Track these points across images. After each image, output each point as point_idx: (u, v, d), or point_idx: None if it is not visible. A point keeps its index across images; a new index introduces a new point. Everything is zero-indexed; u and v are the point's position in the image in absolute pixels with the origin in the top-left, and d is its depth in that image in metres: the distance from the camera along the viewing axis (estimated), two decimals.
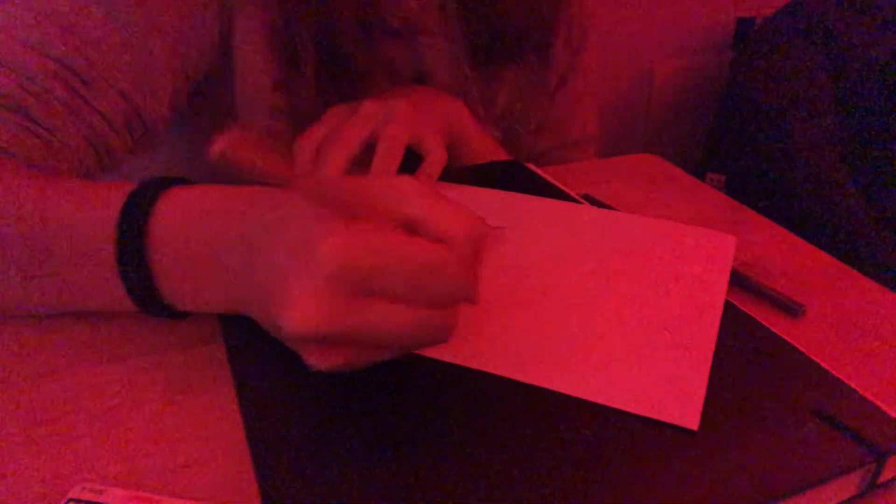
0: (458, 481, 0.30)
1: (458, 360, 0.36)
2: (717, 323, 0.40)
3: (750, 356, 0.38)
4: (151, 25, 0.50)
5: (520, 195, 0.53)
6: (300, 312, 0.29)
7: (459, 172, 0.58)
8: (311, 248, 0.29)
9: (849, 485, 0.32)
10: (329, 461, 0.31)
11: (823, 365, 0.37)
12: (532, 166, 0.61)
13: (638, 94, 1.57)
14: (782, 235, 0.55)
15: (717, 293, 0.42)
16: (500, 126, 0.68)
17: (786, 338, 0.39)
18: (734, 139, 1.43)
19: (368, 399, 0.34)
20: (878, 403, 0.34)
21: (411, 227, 0.31)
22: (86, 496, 0.31)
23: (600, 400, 0.34)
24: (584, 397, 0.34)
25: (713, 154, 1.46)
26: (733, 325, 0.40)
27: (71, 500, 0.31)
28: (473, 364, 0.36)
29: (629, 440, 0.32)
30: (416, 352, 0.35)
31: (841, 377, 0.36)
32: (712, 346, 0.38)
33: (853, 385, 0.36)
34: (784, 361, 0.38)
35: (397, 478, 0.30)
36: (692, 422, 0.33)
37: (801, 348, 0.38)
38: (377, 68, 0.60)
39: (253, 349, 0.38)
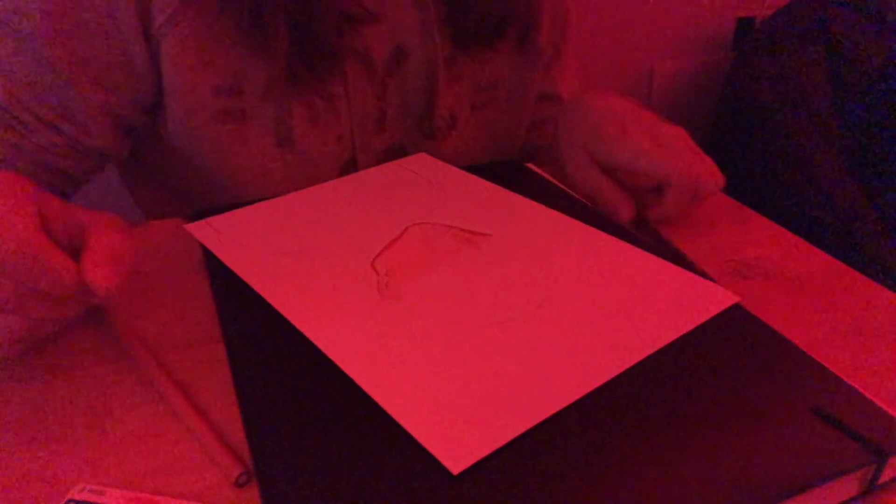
0: (459, 482, 0.30)
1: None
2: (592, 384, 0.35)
3: (750, 355, 0.38)
4: (76, 66, 0.53)
5: (523, 199, 0.53)
6: None
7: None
8: None
9: (849, 485, 0.32)
10: (329, 461, 0.31)
11: (824, 364, 0.37)
12: (533, 166, 0.61)
13: (638, 94, 1.57)
14: (782, 235, 0.55)
15: (655, 341, 0.38)
16: (483, 99, 0.69)
17: (786, 337, 0.39)
18: (734, 139, 1.43)
19: (369, 399, 0.34)
20: (879, 403, 0.34)
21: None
22: (85, 497, 0.31)
23: (393, 413, 0.33)
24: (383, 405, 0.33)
25: (713, 154, 1.46)
26: (734, 323, 0.40)
27: (70, 500, 0.31)
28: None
29: (628, 440, 0.32)
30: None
31: (841, 377, 0.36)
32: (552, 410, 0.33)
33: (854, 385, 0.36)
34: (784, 360, 0.38)
35: (398, 478, 0.30)
36: (455, 464, 0.31)
37: (801, 348, 0.38)
38: (352, 53, 0.60)
39: (253, 349, 0.38)
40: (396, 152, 0.66)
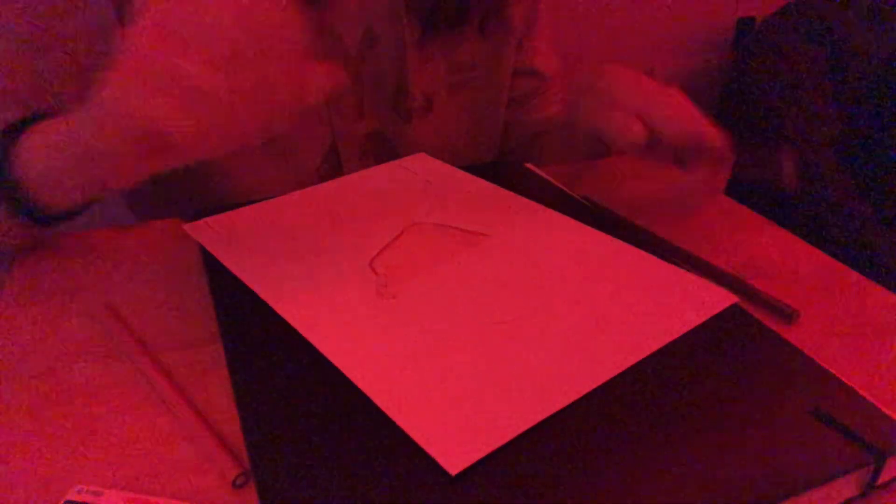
0: (457, 483, 0.30)
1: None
2: (596, 381, 0.35)
3: (750, 356, 0.38)
4: (54, 43, 0.53)
5: (522, 199, 0.53)
6: None
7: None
8: None
9: (848, 485, 0.32)
10: (328, 461, 0.31)
11: (823, 365, 0.37)
12: (532, 166, 0.61)
13: None
14: (782, 235, 0.55)
15: (655, 341, 0.38)
16: (460, 79, 0.69)
17: (785, 338, 0.39)
18: (734, 139, 1.43)
19: (367, 400, 0.34)
20: (878, 404, 0.34)
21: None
22: (83, 498, 0.31)
23: (392, 414, 0.33)
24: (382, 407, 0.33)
25: None
26: (733, 324, 0.40)
27: (68, 502, 0.31)
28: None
29: (627, 440, 0.32)
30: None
31: (841, 378, 0.36)
32: (553, 409, 0.33)
33: (853, 386, 0.36)
34: (784, 361, 0.38)
35: (395, 480, 0.30)
36: (453, 465, 0.30)
37: (800, 348, 0.38)
38: (319, 34, 0.60)
39: (251, 350, 0.38)
40: (377, 138, 0.66)
